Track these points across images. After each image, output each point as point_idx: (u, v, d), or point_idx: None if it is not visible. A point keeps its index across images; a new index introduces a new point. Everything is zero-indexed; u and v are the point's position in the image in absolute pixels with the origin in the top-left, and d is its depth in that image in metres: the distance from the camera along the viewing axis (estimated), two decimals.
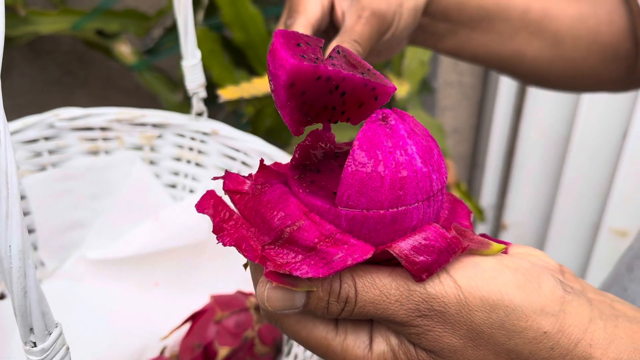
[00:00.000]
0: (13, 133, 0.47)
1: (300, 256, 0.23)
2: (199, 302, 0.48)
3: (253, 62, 0.79)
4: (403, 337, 0.25)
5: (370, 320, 0.26)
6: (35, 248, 0.51)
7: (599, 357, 0.25)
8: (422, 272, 0.24)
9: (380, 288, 0.24)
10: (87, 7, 0.85)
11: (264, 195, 0.25)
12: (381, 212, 0.23)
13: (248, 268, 0.28)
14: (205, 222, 0.49)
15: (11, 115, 0.92)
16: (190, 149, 0.53)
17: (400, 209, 0.24)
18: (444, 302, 0.24)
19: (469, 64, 0.55)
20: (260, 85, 0.69)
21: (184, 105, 0.82)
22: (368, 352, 0.25)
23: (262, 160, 0.27)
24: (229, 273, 0.49)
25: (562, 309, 0.25)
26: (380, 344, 0.25)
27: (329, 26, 0.44)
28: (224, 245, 0.24)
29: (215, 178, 0.27)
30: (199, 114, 0.51)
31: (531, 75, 0.53)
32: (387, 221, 0.24)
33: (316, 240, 0.23)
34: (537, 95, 1.06)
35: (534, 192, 1.17)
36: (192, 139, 0.52)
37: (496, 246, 0.26)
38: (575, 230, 1.24)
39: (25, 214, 0.50)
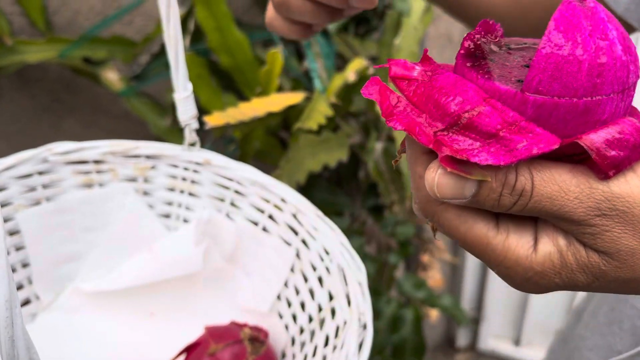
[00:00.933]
0: (7, 169, 0.48)
1: (478, 143, 0.22)
2: (195, 332, 0.49)
3: (241, 85, 0.80)
4: (573, 238, 0.24)
5: (535, 220, 0.25)
6: (29, 282, 0.52)
7: None
8: (610, 169, 0.22)
9: (560, 183, 0.23)
10: (74, 34, 0.86)
11: (436, 82, 0.24)
12: (574, 100, 0.22)
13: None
14: (199, 252, 0.50)
15: (0, 143, 0.92)
16: (184, 179, 0.54)
17: (595, 98, 0.22)
18: (628, 202, 0.23)
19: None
20: (246, 110, 0.70)
21: (172, 130, 0.83)
22: (532, 252, 0.24)
23: (426, 50, 0.26)
24: (224, 303, 0.50)
25: None
26: (547, 245, 0.24)
27: None
28: (395, 129, 0.23)
29: (378, 66, 0.26)
30: (192, 144, 0.52)
31: (474, 6, 0.52)
32: (579, 111, 0.22)
33: (499, 126, 0.22)
34: None
35: None
36: (185, 169, 0.53)
37: None
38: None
39: (19, 248, 0.51)
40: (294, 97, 0.74)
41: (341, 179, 0.94)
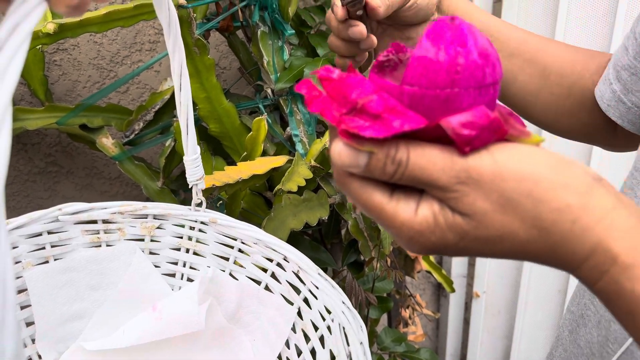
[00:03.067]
0: (18, 227, 0.49)
1: (367, 122, 0.28)
2: None
3: (229, 150, 0.85)
4: (444, 204, 0.29)
5: (420, 193, 0.30)
6: (32, 341, 0.52)
7: (615, 239, 0.28)
8: (465, 145, 0.28)
9: (428, 157, 0.28)
10: (72, 102, 0.92)
11: (347, 80, 0.30)
12: (437, 91, 0.28)
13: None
14: (202, 311, 0.50)
15: None
16: (189, 238, 0.55)
17: (453, 90, 0.28)
18: (480, 172, 0.28)
19: None
20: (233, 173, 0.75)
21: (163, 191, 0.88)
22: (414, 215, 0.30)
23: (350, 64, 0.33)
24: None
25: (587, 191, 0.28)
26: (425, 209, 0.29)
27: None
28: (311, 111, 0.30)
29: (312, 72, 0.31)
30: (198, 205, 0.54)
31: (520, 100, 0.59)
32: (442, 100, 0.28)
33: (381, 109, 0.28)
34: None
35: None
36: (191, 228, 0.54)
37: (535, 136, 0.29)
38: (545, 294, 1.30)
39: (25, 306, 0.51)
40: (278, 161, 0.80)
41: (323, 237, 0.99)
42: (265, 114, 0.86)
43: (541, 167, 0.28)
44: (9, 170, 0.94)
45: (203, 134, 0.87)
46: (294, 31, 0.86)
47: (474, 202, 0.28)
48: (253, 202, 0.92)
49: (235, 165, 0.77)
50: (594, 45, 1.07)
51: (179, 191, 0.91)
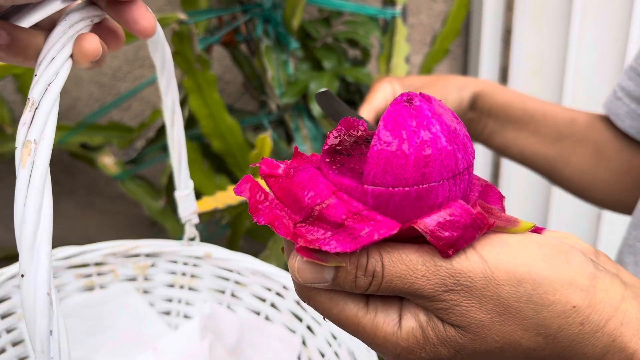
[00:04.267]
0: (10, 278, 0.47)
1: (329, 232, 0.24)
2: None
3: (232, 167, 0.83)
4: (431, 314, 0.25)
5: (401, 299, 0.26)
6: None
7: (630, 336, 0.25)
8: (448, 248, 0.24)
9: (407, 263, 0.25)
10: (73, 120, 0.90)
11: (296, 177, 0.26)
12: (406, 189, 0.24)
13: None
14: (204, 348, 0.49)
15: None
16: (184, 274, 0.53)
17: (424, 186, 0.24)
18: (470, 277, 0.24)
19: (517, 163, 0.59)
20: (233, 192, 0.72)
21: (166, 211, 0.85)
22: (397, 329, 0.26)
23: (296, 148, 0.29)
24: None
25: (592, 284, 0.25)
26: (409, 321, 0.26)
27: None
28: (259, 223, 0.25)
29: (253, 165, 0.28)
30: (192, 239, 0.53)
31: (576, 183, 0.56)
32: (412, 198, 0.24)
33: (344, 216, 0.24)
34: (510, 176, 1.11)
35: None
36: (185, 264, 0.53)
37: (524, 224, 0.26)
38: None
39: (23, 358, 0.49)
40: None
41: None
42: (270, 129, 0.83)
43: (537, 264, 0.25)
44: (10, 192, 0.92)
45: (206, 151, 0.85)
46: (298, 44, 0.83)
47: (468, 312, 0.25)
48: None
49: None
50: (609, 51, 1.03)
51: None
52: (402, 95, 0.25)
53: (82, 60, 0.28)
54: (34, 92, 0.25)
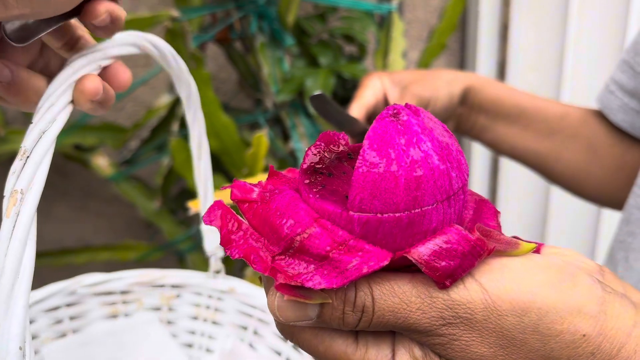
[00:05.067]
0: (36, 302, 0.48)
1: (312, 266, 0.22)
2: None
3: (228, 167, 0.82)
4: (427, 349, 0.23)
5: (393, 332, 0.24)
6: None
7: None
8: (445, 279, 0.22)
9: (400, 295, 0.23)
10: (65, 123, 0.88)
11: (273, 202, 0.23)
12: (397, 215, 0.22)
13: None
14: None
15: None
16: (207, 307, 0.53)
17: (417, 210, 0.22)
18: (470, 308, 0.22)
19: (508, 159, 0.58)
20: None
21: (161, 212, 0.84)
22: None
23: (271, 167, 0.26)
24: None
25: (602, 310, 0.23)
26: (404, 357, 0.23)
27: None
28: (232, 257, 0.23)
29: (223, 188, 0.26)
30: (217, 272, 0.52)
31: (569, 179, 0.56)
32: (404, 224, 0.22)
33: (328, 248, 0.22)
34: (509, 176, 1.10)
35: None
36: (209, 296, 0.53)
37: (526, 246, 0.24)
38: None
39: None
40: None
41: None
42: (266, 128, 0.82)
43: (543, 291, 0.23)
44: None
45: None
46: (294, 41, 0.82)
47: (468, 347, 0.23)
48: None
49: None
50: (607, 45, 1.03)
51: (177, 211, 0.87)
52: (388, 108, 0.23)
53: (82, 100, 0.28)
54: (28, 141, 0.24)
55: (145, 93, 0.93)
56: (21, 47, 0.29)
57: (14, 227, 0.23)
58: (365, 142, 0.22)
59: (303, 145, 0.83)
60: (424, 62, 0.91)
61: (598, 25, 1.02)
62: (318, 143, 0.25)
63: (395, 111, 0.23)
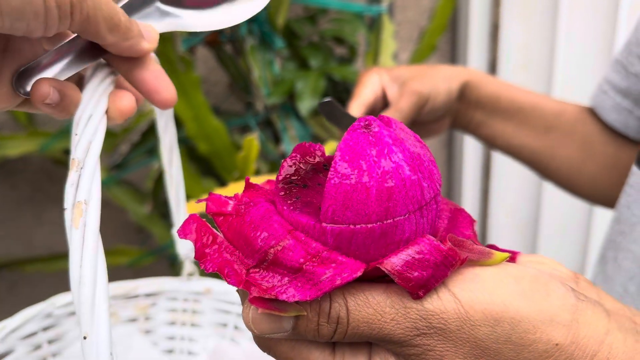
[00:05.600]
0: (13, 331, 0.47)
1: (286, 279, 0.22)
2: None
3: (220, 170, 0.81)
4: (403, 359, 0.24)
5: (369, 343, 0.24)
6: None
7: None
8: (418, 289, 0.22)
9: (374, 306, 0.23)
10: (55, 127, 0.88)
11: (247, 215, 0.24)
12: (369, 225, 0.22)
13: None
14: None
15: None
16: (184, 311, 0.53)
17: (389, 221, 0.22)
18: (443, 318, 0.23)
19: (504, 154, 0.58)
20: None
21: (152, 216, 0.84)
22: None
23: (247, 178, 0.26)
24: None
25: (574, 319, 0.23)
26: None
27: (384, 106, 0.53)
28: (207, 271, 0.23)
29: (199, 200, 0.25)
30: (191, 275, 0.52)
31: (563, 176, 0.56)
32: (377, 235, 0.22)
33: (302, 260, 0.22)
34: (502, 178, 1.10)
35: None
36: (185, 300, 0.53)
37: (499, 255, 0.24)
38: None
39: None
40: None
41: None
42: (257, 130, 0.82)
43: (515, 301, 0.23)
44: None
45: (192, 154, 0.83)
46: (284, 43, 0.82)
47: (442, 357, 0.23)
48: None
49: (226, 185, 0.73)
50: (597, 43, 1.03)
51: (168, 215, 0.86)
52: (359, 120, 0.23)
53: (118, 118, 0.29)
54: (78, 152, 0.25)
55: None
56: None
57: (84, 237, 0.23)
58: (337, 154, 0.22)
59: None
60: (415, 63, 0.91)
61: (587, 25, 1.03)
62: (294, 154, 0.26)
63: (367, 122, 0.23)
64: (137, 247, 0.88)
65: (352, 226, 0.22)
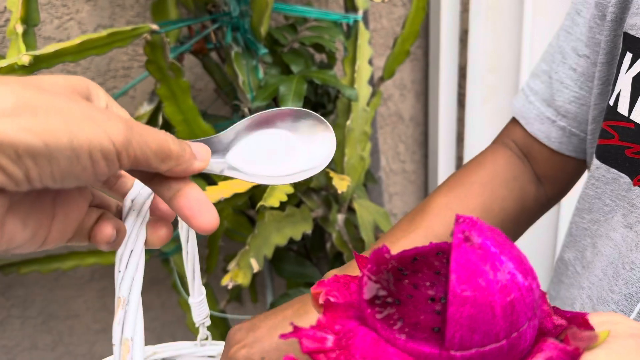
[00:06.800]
0: None
1: None
2: None
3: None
4: None
5: None
6: None
7: None
8: None
9: None
10: None
11: (355, 349, 0.22)
12: (498, 344, 0.21)
13: None
14: None
15: None
16: None
17: (514, 334, 0.22)
18: None
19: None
20: (213, 193, 0.75)
21: None
22: None
23: (327, 300, 0.24)
24: None
25: None
26: None
27: None
28: None
29: (283, 336, 0.23)
30: (205, 339, 0.54)
31: (528, 216, 0.56)
32: (505, 351, 0.22)
33: None
34: None
35: None
36: None
37: (602, 335, 0.24)
38: None
39: None
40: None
41: (309, 251, 0.99)
42: None
43: None
44: None
45: None
46: (267, 50, 0.87)
47: None
48: (236, 222, 0.92)
49: (216, 184, 0.77)
50: None
51: None
52: (457, 231, 0.22)
53: (156, 245, 0.30)
54: (123, 290, 0.26)
55: (125, 103, 0.97)
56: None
57: None
58: (452, 277, 0.21)
59: None
60: (390, 68, 0.97)
61: (551, 29, 1.10)
62: (370, 266, 0.24)
63: (465, 235, 0.22)
64: None
65: (481, 349, 0.21)
